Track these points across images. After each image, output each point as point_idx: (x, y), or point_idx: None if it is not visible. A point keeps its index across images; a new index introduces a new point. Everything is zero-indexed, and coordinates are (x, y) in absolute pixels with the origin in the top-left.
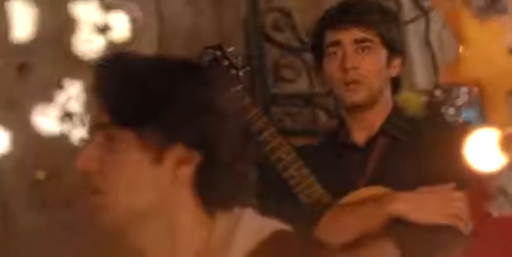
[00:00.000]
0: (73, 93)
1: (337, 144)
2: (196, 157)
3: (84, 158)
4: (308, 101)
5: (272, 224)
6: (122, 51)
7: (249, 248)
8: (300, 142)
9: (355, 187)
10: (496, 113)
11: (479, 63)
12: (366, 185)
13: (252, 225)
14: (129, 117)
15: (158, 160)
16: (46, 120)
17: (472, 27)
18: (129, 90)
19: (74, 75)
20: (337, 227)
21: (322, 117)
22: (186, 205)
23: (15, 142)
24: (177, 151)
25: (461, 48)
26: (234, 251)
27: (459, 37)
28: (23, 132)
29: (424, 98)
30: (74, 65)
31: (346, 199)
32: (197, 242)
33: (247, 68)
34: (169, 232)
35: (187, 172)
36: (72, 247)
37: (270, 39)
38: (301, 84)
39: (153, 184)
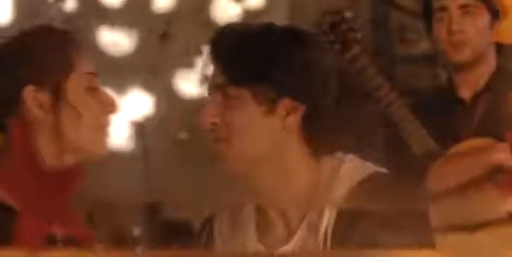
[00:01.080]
0: None
1: (446, 99)
2: (301, 108)
3: (206, 114)
4: (430, 61)
5: (372, 167)
6: (236, 22)
7: (351, 186)
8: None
9: (461, 139)
10: None
11: None
12: (472, 137)
13: (354, 166)
14: (243, 78)
15: (269, 111)
16: (187, 85)
17: None
18: (244, 54)
19: None
20: (446, 174)
21: (443, 75)
22: (295, 150)
23: (159, 105)
24: (285, 104)
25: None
26: (338, 189)
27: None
28: (166, 96)
29: None
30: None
31: (453, 150)
32: (306, 183)
33: (364, 32)
34: (282, 174)
35: (294, 121)
36: (212, 202)
37: (394, 3)
38: (424, 45)
39: (266, 133)
